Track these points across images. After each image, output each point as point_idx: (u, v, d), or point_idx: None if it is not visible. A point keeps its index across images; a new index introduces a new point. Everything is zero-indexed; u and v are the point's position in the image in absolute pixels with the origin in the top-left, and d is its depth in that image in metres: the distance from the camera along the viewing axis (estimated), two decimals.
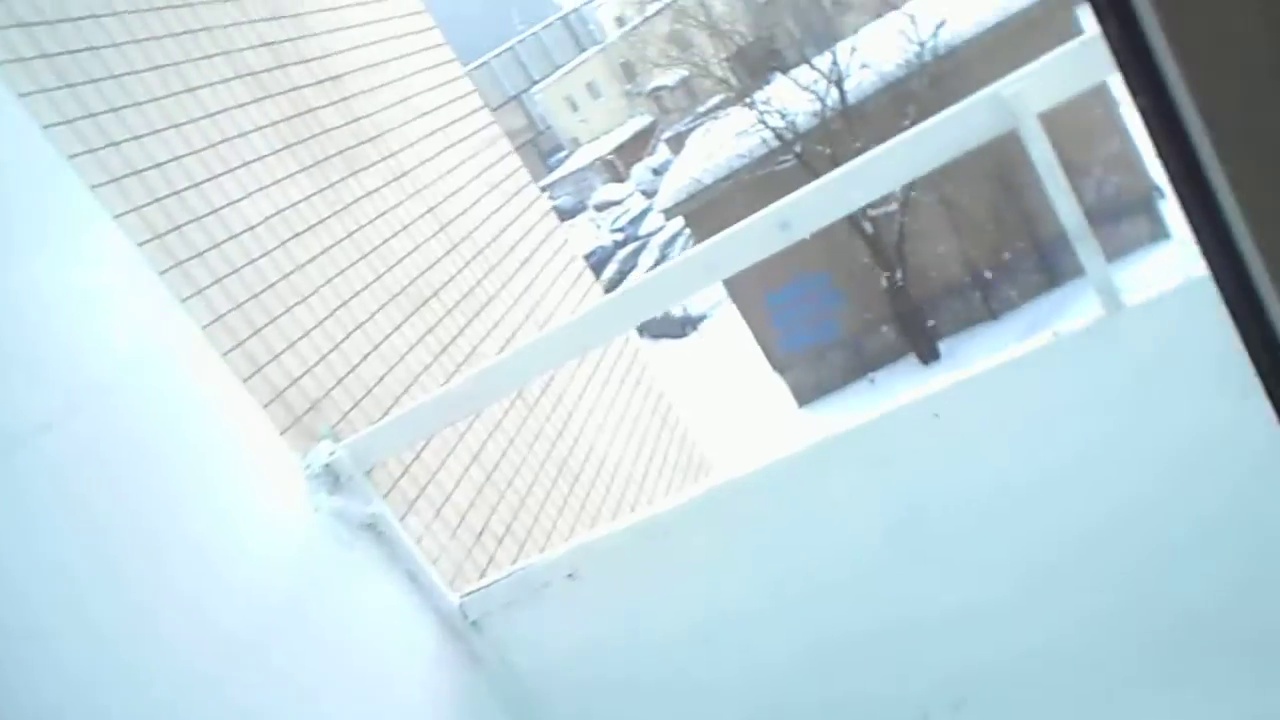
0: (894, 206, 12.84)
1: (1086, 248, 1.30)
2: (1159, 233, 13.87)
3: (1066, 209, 1.27)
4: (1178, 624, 1.33)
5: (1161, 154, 0.57)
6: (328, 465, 1.47)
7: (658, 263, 26.09)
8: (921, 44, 12.17)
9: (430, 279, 6.20)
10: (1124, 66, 0.54)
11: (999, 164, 12.00)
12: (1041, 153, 1.26)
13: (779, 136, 13.59)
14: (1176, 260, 12.51)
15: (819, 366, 15.58)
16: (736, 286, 14.85)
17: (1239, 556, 1.29)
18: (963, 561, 1.39)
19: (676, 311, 19.13)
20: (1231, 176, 0.51)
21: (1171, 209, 13.90)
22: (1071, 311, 8.34)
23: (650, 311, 1.46)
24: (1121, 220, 12.87)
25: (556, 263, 8.11)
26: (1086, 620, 1.36)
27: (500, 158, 8.08)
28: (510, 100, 41.97)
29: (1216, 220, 0.55)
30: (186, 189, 4.60)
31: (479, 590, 1.58)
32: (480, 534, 5.43)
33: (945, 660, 1.44)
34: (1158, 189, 14.19)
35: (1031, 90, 1.24)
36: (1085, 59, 1.26)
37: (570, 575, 1.55)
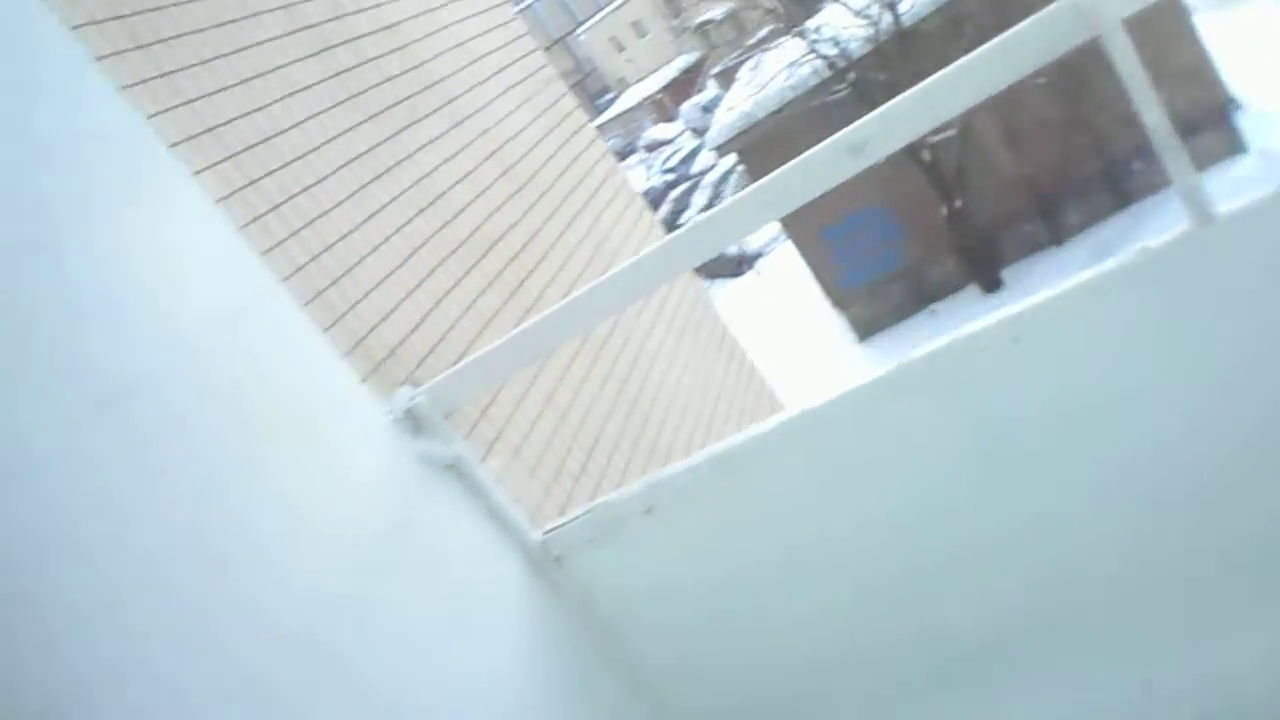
0: (953, 132, 12.46)
1: (1174, 157, 1.24)
2: (1236, 146, 13.24)
3: (1153, 119, 1.22)
4: (1261, 534, 1.29)
5: None
6: (409, 410, 1.50)
7: (711, 201, 25.69)
8: None
9: (495, 224, 6.24)
10: None
11: (1060, 84, 11.51)
12: (1126, 62, 1.21)
13: (831, 65, 13.24)
14: (1256, 174, 11.93)
15: (879, 300, 15.34)
16: (793, 222, 14.63)
17: None
18: (1044, 481, 1.37)
19: (732, 249, 18.94)
20: None
21: (1249, 120, 13.23)
22: (1139, 235, 8.04)
23: (718, 248, 1.45)
24: (1195, 135, 12.26)
25: (618, 203, 8.07)
26: (1168, 534, 1.34)
27: (555, 100, 8.00)
28: (556, 43, 41.48)
29: None
30: (258, 144, 4.65)
31: (560, 527, 1.61)
32: (557, 474, 5.53)
33: (1027, 581, 1.43)
34: (1233, 101, 13.50)
35: None
36: None
37: (647, 511, 1.56)
